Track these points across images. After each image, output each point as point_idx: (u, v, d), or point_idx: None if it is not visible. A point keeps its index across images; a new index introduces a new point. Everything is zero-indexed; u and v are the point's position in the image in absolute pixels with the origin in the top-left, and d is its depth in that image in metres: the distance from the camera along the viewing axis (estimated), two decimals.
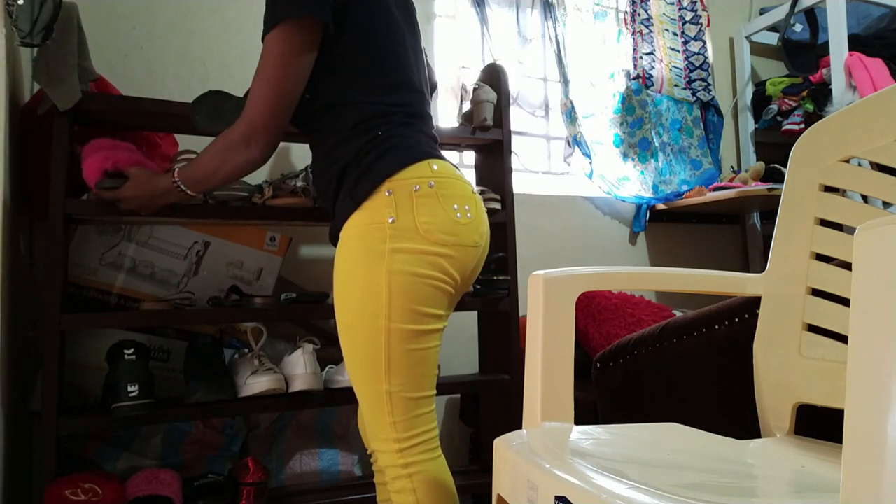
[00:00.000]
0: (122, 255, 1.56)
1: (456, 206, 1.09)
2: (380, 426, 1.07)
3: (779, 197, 1.10)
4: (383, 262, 1.03)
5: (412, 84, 1.20)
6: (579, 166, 2.33)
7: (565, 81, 2.32)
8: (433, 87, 1.50)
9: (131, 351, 1.34)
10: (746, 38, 2.70)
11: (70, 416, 1.33)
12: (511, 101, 1.82)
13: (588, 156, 2.31)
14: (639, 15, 2.50)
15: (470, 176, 1.90)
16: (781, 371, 1.04)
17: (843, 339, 0.97)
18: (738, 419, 1.11)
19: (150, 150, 1.60)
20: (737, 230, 2.67)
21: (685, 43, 2.58)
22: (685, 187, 2.44)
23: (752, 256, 2.61)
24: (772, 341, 1.07)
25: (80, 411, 1.38)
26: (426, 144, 1.15)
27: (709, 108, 2.58)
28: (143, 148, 1.56)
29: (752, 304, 1.12)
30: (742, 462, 0.89)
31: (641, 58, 2.49)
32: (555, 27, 2.34)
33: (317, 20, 1.07)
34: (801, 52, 2.59)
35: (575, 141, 2.30)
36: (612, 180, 2.36)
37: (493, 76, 1.77)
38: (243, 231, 1.65)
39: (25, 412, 1.49)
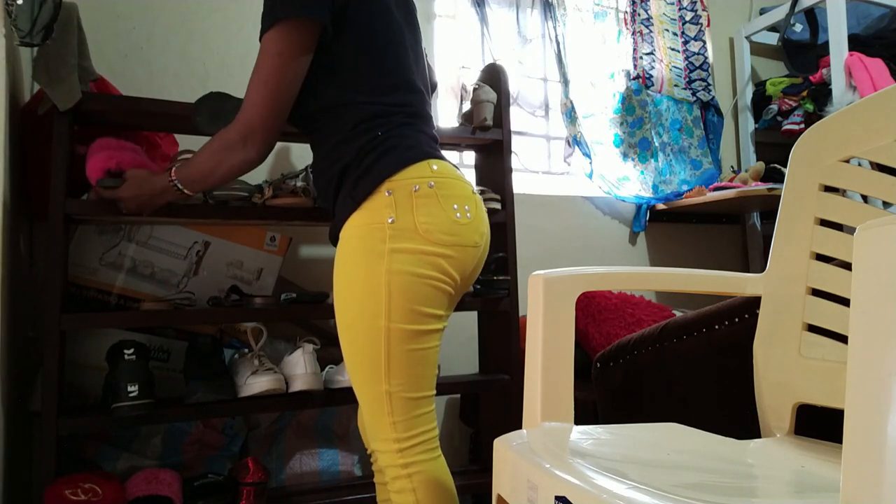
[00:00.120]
0: (122, 255, 1.56)
1: (456, 207, 1.09)
2: (380, 426, 1.07)
3: (779, 197, 1.10)
4: (383, 262, 1.03)
5: (412, 84, 1.20)
6: (579, 166, 2.33)
7: (565, 81, 2.32)
8: (433, 87, 1.50)
9: (131, 351, 1.34)
10: (746, 38, 2.70)
11: (70, 416, 1.33)
12: (511, 101, 1.82)
13: (588, 156, 2.31)
14: (639, 15, 2.50)
15: (470, 176, 1.90)
16: (781, 371, 1.04)
17: (843, 339, 0.97)
18: (738, 419, 1.11)
19: (150, 150, 1.60)
20: (737, 230, 2.67)
21: (685, 43, 2.58)
22: (685, 187, 2.44)
23: (752, 256, 2.61)
24: (772, 341, 1.07)
25: (80, 411, 1.38)
26: (426, 144, 1.15)
27: (709, 108, 2.58)
28: (143, 148, 1.56)
29: (752, 304, 1.12)
30: (742, 462, 0.89)
31: (641, 58, 2.49)
32: (555, 27, 2.34)
33: (314, 21, 1.07)
34: (801, 52, 2.59)
35: (575, 141, 2.30)
36: (612, 180, 2.36)
37: (493, 76, 1.77)
38: (243, 231, 1.65)
39: (25, 412, 1.49)
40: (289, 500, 1.52)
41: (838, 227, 1.02)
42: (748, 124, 2.67)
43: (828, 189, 1.04)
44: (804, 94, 2.42)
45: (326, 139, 1.16)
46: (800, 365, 1.01)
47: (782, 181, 1.13)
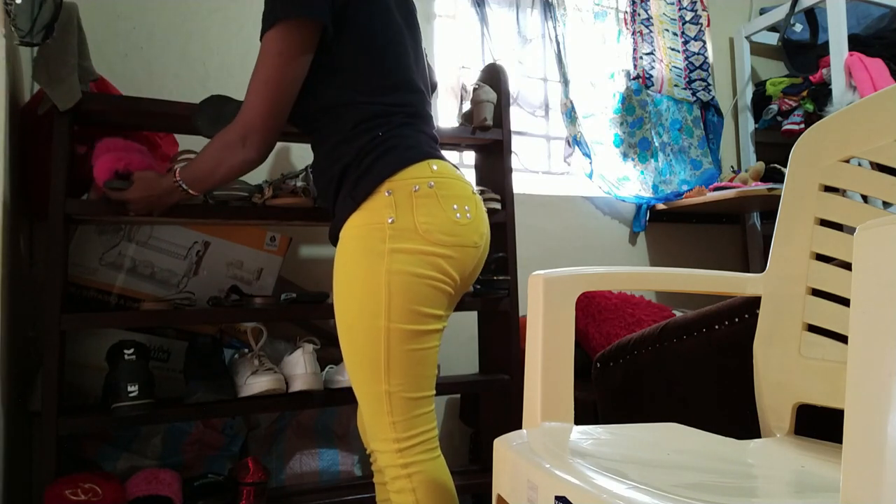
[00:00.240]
0: (122, 255, 1.56)
1: (455, 207, 1.09)
2: (379, 426, 1.07)
3: (779, 197, 1.10)
4: (383, 263, 1.03)
5: (412, 84, 1.20)
6: (579, 166, 2.33)
7: (565, 81, 2.32)
8: (433, 87, 1.50)
9: (131, 351, 1.34)
10: (746, 38, 2.70)
11: (70, 416, 1.33)
12: (511, 101, 1.82)
13: (588, 156, 2.31)
14: (639, 15, 2.50)
15: (470, 176, 1.90)
16: (781, 371, 1.04)
17: (843, 339, 0.97)
18: (738, 419, 1.11)
19: (150, 150, 1.60)
20: (737, 230, 2.67)
21: (685, 43, 2.58)
22: (685, 187, 2.44)
23: (752, 256, 2.61)
24: (772, 341, 1.07)
25: (80, 411, 1.38)
26: (426, 145, 1.15)
27: (709, 108, 2.58)
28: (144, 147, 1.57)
29: (752, 304, 1.12)
30: (742, 462, 0.89)
31: (641, 58, 2.49)
32: (555, 27, 2.34)
33: (315, 21, 1.07)
34: (801, 52, 2.59)
35: (575, 141, 2.30)
36: (612, 180, 2.36)
37: (493, 76, 1.77)
38: (243, 231, 1.65)
39: (25, 412, 1.49)
40: (289, 500, 1.52)
41: (838, 227, 1.02)
42: (748, 124, 2.67)
43: (828, 189, 1.04)
44: (804, 94, 2.42)
45: (326, 139, 1.16)
46: (800, 365, 1.01)
47: (782, 181, 1.13)
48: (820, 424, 1.00)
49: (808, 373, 1.00)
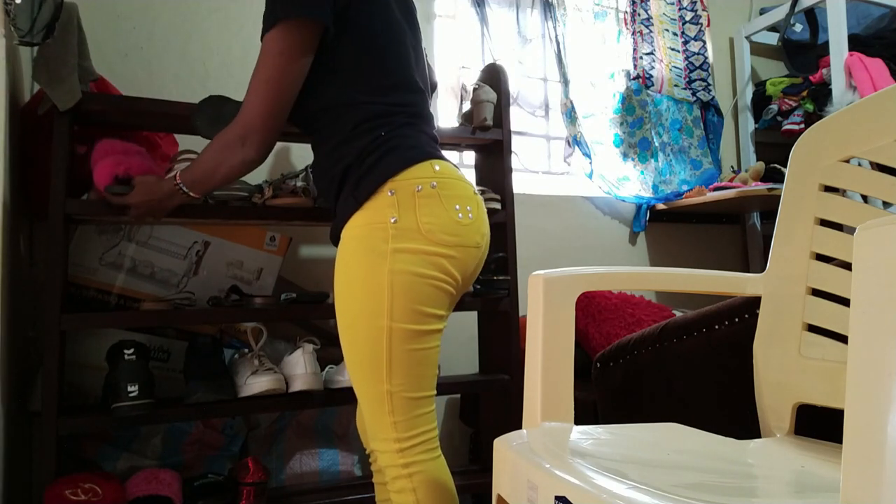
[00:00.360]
0: (122, 255, 1.56)
1: (458, 207, 1.09)
2: (380, 426, 1.07)
3: (779, 197, 1.10)
4: (385, 262, 1.03)
5: (413, 84, 1.20)
6: (579, 166, 2.33)
7: (565, 81, 2.32)
8: (433, 87, 1.50)
9: (131, 351, 1.34)
10: (746, 38, 2.70)
11: (70, 416, 1.33)
12: (511, 101, 1.82)
13: (588, 156, 2.31)
14: (639, 15, 2.50)
15: (470, 176, 1.89)
16: (781, 371, 1.04)
17: (843, 339, 0.97)
18: (738, 419, 1.11)
19: (150, 150, 1.60)
20: (737, 230, 2.67)
21: (685, 43, 2.58)
22: (685, 187, 2.44)
23: (752, 256, 2.61)
24: (772, 341, 1.07)
25: (80, 411, 1.38)
26: (428, 145, 1.15)
27: (709, 108, 2.58)
28: (143, 148, 1.56)
29: (752, 304, 1.12)
30: (742, 462, 0.89)
31: (641, 58, 2.49)
32: (555, 27, 2.34)
33: (316, 21, 1.07)
34: (801, 52, 2.58)
35: (575, 141, 2.30)
36: (612, 180, 2.36)
37: (493, 76, 1.77)
38: (243, 231, 1.65)
39: (25, 412, 1.49)
40: (289, 500, 1.52)
41: (838, 227, 1.02)
42: (748, 124, 2.67)
43: (828, 189, 1.04)
44: (804, 94, 2.42)
45: (328, 139, 1.16)
46: (800, 365, 1.01)
47: (782, 181, 1.13)
48: (820, 424, 1.00)
49: (808, 373, 1.00)
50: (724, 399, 1.18)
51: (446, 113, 2.20)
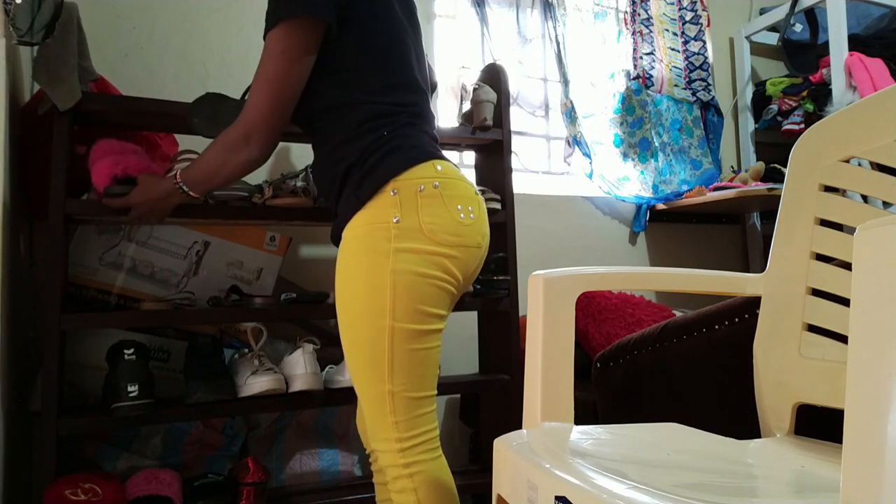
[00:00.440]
0: (122, 255, 1.56)
1: (459, 207, 1.09)
2: (381, 426, 1.07)
3: (779, 197, 1.10)
4: (388, 262, 1.03)
5: (415, 84, 1.20)
6: (579, 166, 2.33)
7: (565, 81, 2.32)
8: (433, 87, 1.50)
9: (131, 351, 1.34)
10: (746, 38, 2.70)
11: (70, 416, 1.33)
12: (511, 101, 1.82)
13: (588, 156, 2.31)
14: (639, 15, 2.50)
15: (470, 176, 1.89)
16: (781, 371, 1.04)
17: (843, 339, 0.97)
18: (738, 419, 1.11)
19: (150, 150, 1.60)
20: (737, 230, 2.67)
21: (685, 43, 2.58)
22: (685, 187, 2.44)
23: (752, 256, 2.61)
24: (772, 341, 1.07)
25: (80, 411, 1.38)
26: (430, 145, 1.15)
27: (709, 108, 2.58)
28: (143, 148, 1.57)
29: (752, 304, 1.12)
30: (742, 462, 0.89)
31: (641, 58, 2.49)
32: (555, 27, 2.34)
33: (319, 20, 1.07)
34: (801, 52, 2.58)
35: (575, 141, 2.30)
36: (612, 180, 2.36)
37: (493, 76, 1.77)
38: (243, 231, 1.65)
39: (25, 412, 1.49)
40: (289, 500, 1.52)
41: (838, 227, 1.02)
42: (748, 124, 2.67)
43: (828, 189, 1.04)
44: (804, 94, 2.42)
45: (329, 139, 1.16)
46: (800, 365, 1.01)
47: (782, 181, 1.13)
48: (820, 424, 1.00)
49: (808, 373, 1.00)
50: (724, 399, 1.18)
51: (446, 113, 2.20)
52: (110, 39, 1.78)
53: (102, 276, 1.54)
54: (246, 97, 1.35)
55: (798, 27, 2.61)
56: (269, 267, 1.68)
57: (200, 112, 1.33)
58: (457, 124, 1.77)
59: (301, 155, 1.94)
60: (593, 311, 1.85)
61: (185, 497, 1.39)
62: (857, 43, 2.33)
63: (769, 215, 2.15)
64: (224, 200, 1.46)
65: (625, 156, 2.40)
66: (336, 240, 1.15)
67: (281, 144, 1.88)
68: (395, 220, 1.04)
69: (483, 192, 1.66)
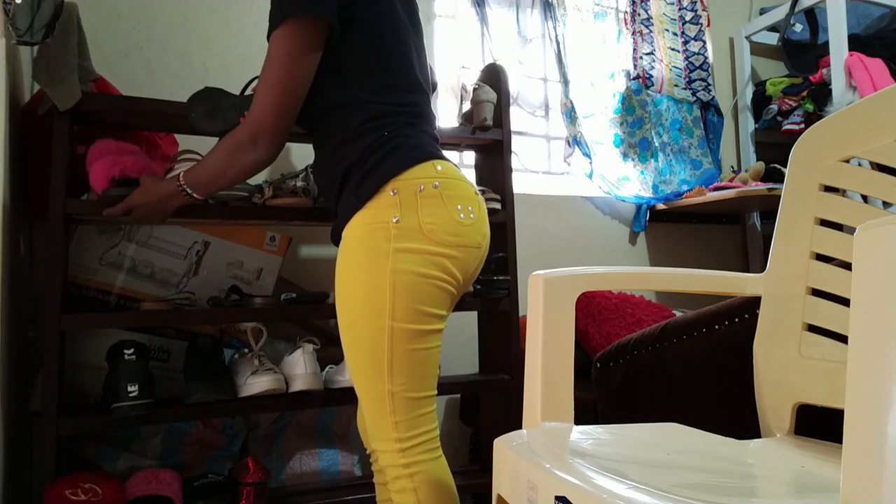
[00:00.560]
0: (122, 255, 1.56)
1: (460, 207, 1.09)
2: (381, 426, 1.07)
3: (779, 197, 1.10)
4: (387, 262, 1.03)
5: (417, 84, 1.20)
6: (579, 166, 2.33)
7: (565, 81, 2.32)
8: (433, 87, 1.50)
9: (131, 351, 1.34)
10: (746, 38, 2.70)
11: (70, 416, 1.33)
12: (511, 101, 1.82)
13: (588, 156, 2.31)
14: (639, 15, 2.50)
15: (470, 176, 1.89)
16: (781, 371, 1.04)
17: (843, 339, 0.97)
18: (738, 419, 1.11)
19: (150, 150, 1.60)
20: (737, 230, 2.67)
21: (685, 43, 2.58)
22: (685, 187, 2.44)
23: (752, 256, 2.61)
24: (772, 341, 1.07)
25: (80, 411, 1.39)
26: (430, 145, 1.15)
27: (709, 108, 2.58)
28: (143, 147, 1.57)
29: (752, 304, 1.12)
30: (742, 462, 0.89)
31: (641, 58, 2.49)
32: (555, 27, 2.34)
33: (322, 19, 1.07)
34: (801, 52, 2.58)
35: (575, 141, 2.30)
36: (612, 180, 2.36)
37: (493, 76, 1.77)
38: (243, 231, 1.65)
39: (25, 412, 1.49)
40: (289, 500, 1.52)
41: (838, 227, 1.02)
42: (748, 124, 2.67)
43: (828, 189, 1.04)
44: (804, 94, 2.42)
45: (330, 138, 1.15)
46: (800, 365, 1.01)
47: (782, 181, 1.13)
48: (820, 424, 1.00)
49: (808, 373, 1.00)
50: (724, 399, 1.18)
51: (446, 113, 2.20)
52: (110, 39, 1.78)
53: (102, 276, 1.54)
54: (245, 93, 1.36)
55: (798, 27, 2.61)
56: (269, 267, 1.68)
57: (199, 107, 1.33)
58: (457, 124, 1.77)
59: (301, 155, 1.94)
60: (593, 311, 1.85)
61: (185, 497, 1.39)
62: (857, 43, 2.33)
63: (769, 215, 2.15)
64: (224, 200, 1.46)
65: (625, 156, 2.40)
66: (336, 239, 1.15)
67: None
68: (394, 220, 1.04)
69: (483, 192, 1.66)
